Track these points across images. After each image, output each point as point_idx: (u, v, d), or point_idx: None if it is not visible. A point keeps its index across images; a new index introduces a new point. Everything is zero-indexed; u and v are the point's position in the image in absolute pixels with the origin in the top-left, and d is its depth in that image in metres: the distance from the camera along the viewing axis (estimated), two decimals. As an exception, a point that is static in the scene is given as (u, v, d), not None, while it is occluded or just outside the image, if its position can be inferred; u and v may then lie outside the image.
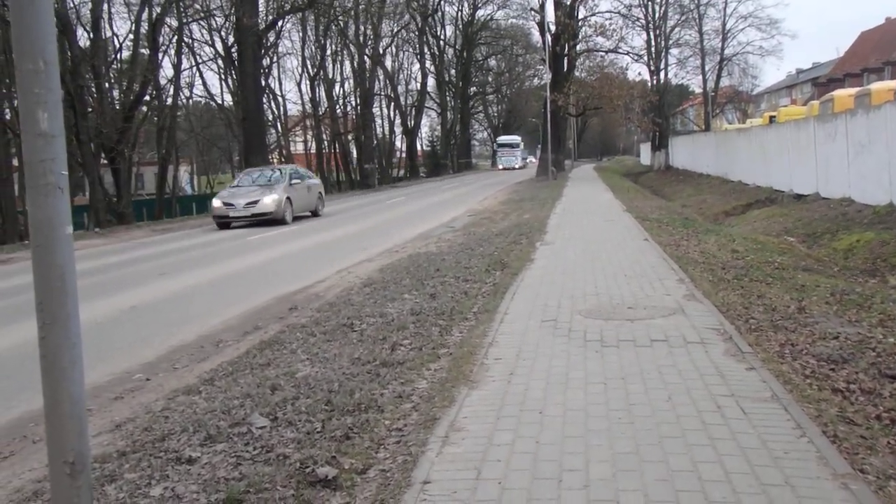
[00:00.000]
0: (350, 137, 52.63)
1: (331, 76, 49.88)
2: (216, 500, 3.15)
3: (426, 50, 62.61)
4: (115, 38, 35.48)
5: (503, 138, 69.87)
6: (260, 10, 32.83)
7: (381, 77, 56.22)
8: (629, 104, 44.24)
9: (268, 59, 41.46)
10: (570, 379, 4.40)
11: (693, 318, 5.78)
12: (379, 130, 59.83)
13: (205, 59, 42.37)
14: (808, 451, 3.23)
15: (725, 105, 57.46)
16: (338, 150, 52.36)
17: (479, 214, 18.74)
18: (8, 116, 25.62)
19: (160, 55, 33.62)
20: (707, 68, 49.70)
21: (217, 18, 38.13)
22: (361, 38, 48.74)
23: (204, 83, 76.23)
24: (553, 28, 38.24)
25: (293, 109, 53.45)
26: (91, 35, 30.29)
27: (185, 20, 35.28)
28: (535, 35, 54.07)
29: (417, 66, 64.27)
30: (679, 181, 35.56)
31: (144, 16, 31.42)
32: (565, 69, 40.20)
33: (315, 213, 21.35)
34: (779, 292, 7.08)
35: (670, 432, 3.49)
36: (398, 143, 65.20)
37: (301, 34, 47.14)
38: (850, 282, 8.83)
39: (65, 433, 2.17)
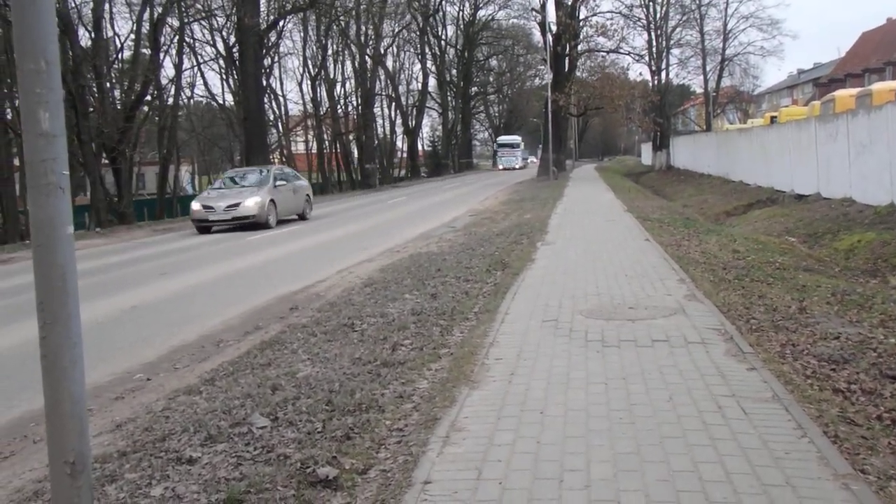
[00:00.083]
0: (351, 137, 52.67)
1: (332, 76, 49.95)
2: (217, 500, 3.15)
3: (427, 50, 62.67)
4: (116, 37, 35.44)
5: (503, 138, 69.58)
6: (261, 10, 32.88)
7: (383, 77, 56.36)
8: (630, 104, 44.31)
9: (269, 58, 41.56)
10: (571, 379, 4.40)
11: (694, 318, 5.78)
12: (380, 130, 59.94)
13: (206, 58, 42.48)
14: (808, 451, 3.22)
15: (726, 105, 57.35)
16: (339, 150, 52.35)
17: (480, 214, 18.73)
18: (9, 116, 25.62)
19: (161, 55, 33.63)
20: (708, 68, 49.70)
21: (218, 18, 38.26)
22: (363, 38, 48.79)
23: (205, 83, 76.47)
24: (554, 28, 38.24)
25: (294, 109, 53.54)
26: (92, 35, 30.27)
27: (186, 20, 35.28)
28: (537, 35, 54.31)
29: (418, 66, 64.46)
30: (680, 181, 35.55)
31: (146, 16, 31.44)
32: (566, 69, 40.18)
33: (302, 217, 20.07)
34: (780, 292, 7.08)
35: (671, 432, 3.49)
36: (399, 143, 65.35)
37: (302, 34, 47.21)
38: (851, 282, 8.82)
39: (65, 433, 2.17)
